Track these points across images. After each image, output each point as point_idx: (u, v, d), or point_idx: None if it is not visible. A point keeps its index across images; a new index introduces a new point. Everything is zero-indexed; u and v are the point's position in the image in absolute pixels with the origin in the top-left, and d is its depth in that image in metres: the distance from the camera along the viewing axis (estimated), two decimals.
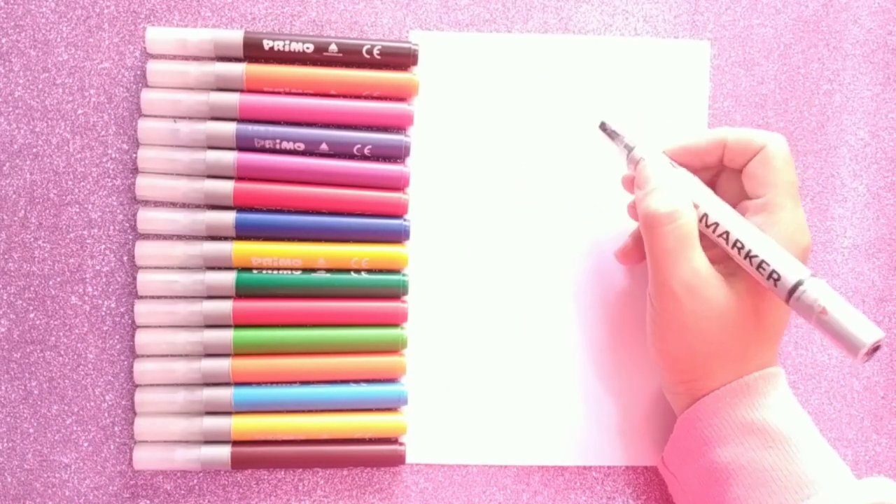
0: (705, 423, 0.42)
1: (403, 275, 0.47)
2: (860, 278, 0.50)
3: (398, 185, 0.47)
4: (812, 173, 0.49)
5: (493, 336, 0.48)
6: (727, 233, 0.42)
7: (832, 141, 0.50)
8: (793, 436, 0.40)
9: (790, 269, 0.40)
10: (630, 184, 0.46)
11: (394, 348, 0.47)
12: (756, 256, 0.41)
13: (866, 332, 0.38)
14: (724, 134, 0.44)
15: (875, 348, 0.38)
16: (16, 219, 0.46)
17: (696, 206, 0.42)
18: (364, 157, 0.47)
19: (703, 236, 0.42)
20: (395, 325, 0.47)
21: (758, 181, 0.43)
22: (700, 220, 0.42)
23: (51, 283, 0.46)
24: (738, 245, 0.41)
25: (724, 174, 0.45)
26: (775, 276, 0.40)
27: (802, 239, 0.42)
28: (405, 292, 0.47)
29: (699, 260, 0.41)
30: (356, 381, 0.47)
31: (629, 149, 0.45)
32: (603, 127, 0.47)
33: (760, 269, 0.40)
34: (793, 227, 0.42)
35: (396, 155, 0.47)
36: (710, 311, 0.41)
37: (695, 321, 0.41)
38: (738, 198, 0.44)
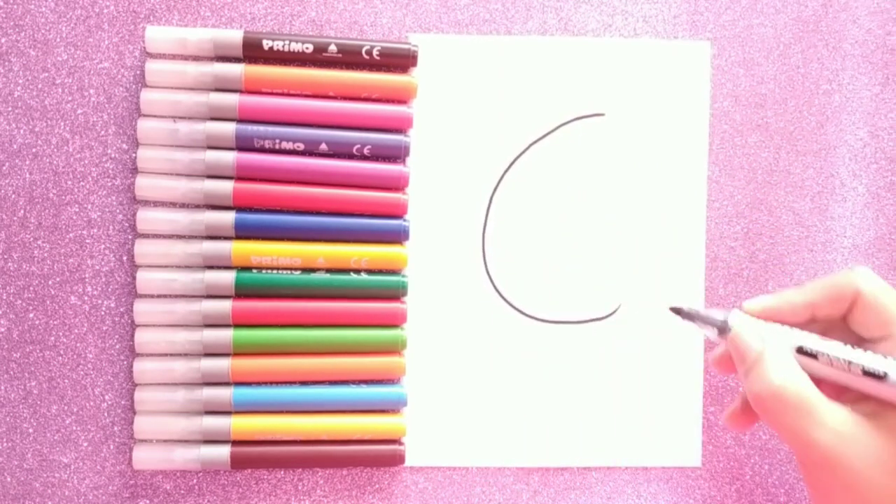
0: None
1: (403, 275, 0.47)
2: None
3: (398, 185, 0.47)
4: (812, 173, 0.49)
5: (493, 336, 0.48)
6: (849, 362, 0.37)
7: (832, 141, 0.50)
8: None
9: None
10: (723, 363, 0.42)
11: (393, 349, 0.47)
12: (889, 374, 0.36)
13: None
14: (806, 294, 0.40)
15: None
16: (15, 219, 0.46)
17: (820, 355, 0.38)
18: (364, 158, 0.47)
19: (825, 384, 0.38)
20: (394, 325, 0.47)
21: (871, 325, 0.39)
22: (843, 367, 0.37)
23: (50, 282, 0.46)
24: (869, 370, 0.37)
25: (826, 327, 0.40)
26: None
27: None
28: (405, 293, 0.47)
29: (834, 417, 0.36)
30: (356, 382, 0.47)
31: (720, 324, 0.40)
32: (677, 311, 0.41)
33: None
34: None
35: (396, 155, 0.47)
36: (871, 464, 0.36)
37: (859, 481, 0.36)
38: (855, 343, 0.39)
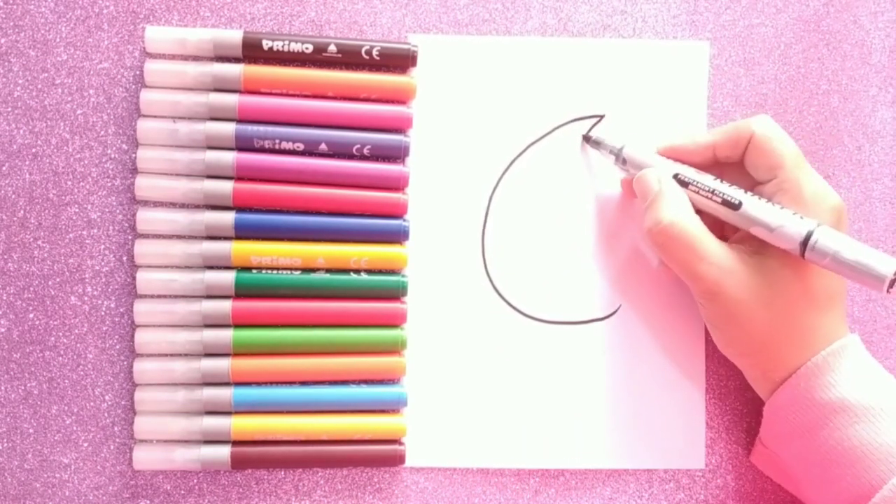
0: (788, 411, 0.42)
1: (403, 275, 0.47)
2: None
3: (398, 185, 0.47)
4: None
5: (493, 337, 0.48)
6: (712, 191, 0.43)
7: (830, 141, 0.50)
8: (875, 406, 0.40)
9: (796, 225, 0.40)
10: (628, 186, 0.47)
11: (393, 349, 0.47)
12: (761, 219, 0.41)
13: (885, 264, 0.38)
14: (711, 135, 0.45)
15: None
16: (15, 219, 0.46)
17: (690, 184, 0.43)
18: (363, 158, 0.47)
19: (716, 223, 0.43)
20: (394, 325, 0.47)
21: (761, 168, 0.43)
22: (706, 195, 0.43)
23: (50, 283, 0.46)
24: (743, 212, 0.41)
25: (726, 169, 0.45)
26: (785, 235, 0.40)
27: (827, 201, 0.42)
28: (405, 293, 0.47)
29: (716, 253, 0.42)
30: (356, 382, 0.47)
31: (617, 151, 0.46)
32: (587, 139, 0.48)
33: (772, 234, 0.41)
34: (813, 194, 0.42)
35: (396, 155, 0.47)
36: (749, 296, 0.41)
37: (739, 310, 0.42)
38: (749, 188, 0.44)
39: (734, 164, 0.45)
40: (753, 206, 0.41)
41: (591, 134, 0.48)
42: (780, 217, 0.41)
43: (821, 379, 0.41)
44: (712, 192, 0.43)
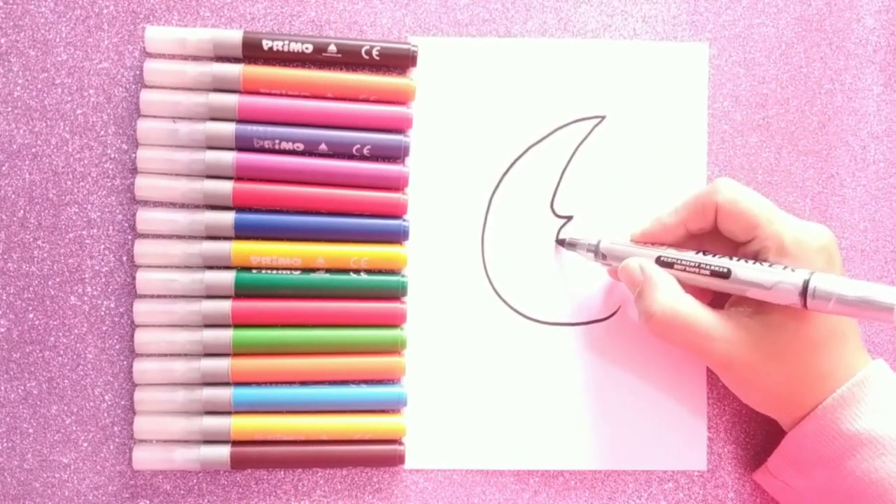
0: (813, 441, 0.41)
1: (403, 275, 0.47)
2: (859, 279, 0.49)
3: (397, 185, 0.47)
4: (812, 174, 0.49)
5: (493, 337, 0.48)
6: (699, 265, 0.42)
7: (833, 141, 0.49)
8: None
9: (790, 278, 0.39)
10: (615, 275, 0.46)
11: (393, 349, 0.47)
12: (754, 282, 0.40)
13: (890, 295, 0.37)
14: (677, 213, 0.44)
15: None
16: (15, 219, 0.46)
17: (676, 263, 0.43)
18: (363, 158, 0.47)
19: (707, 291, 0.43)
20: (394, 325, 0.47)
21: (736, 231, 0.43)
22: (694, 270, 0.42)
23: (50, 283, 0.46)
24: (734, 279, 0.41)
25: (704, 239, 0.45)
26: (783, 291, 0.39)
27: (812, 244, 0.41)
28: (404, 293, 0.47)
29: (717, 326, 0.41)
30: (356, 382, 0.47)
31: (594, 248, 0.46)
32: (560, 242, 0.48)
33: (769, 293, 0.40)
34: (797, 243, 0.41)
35: (396, 155, 0.47)
36: (760, 358, 0.41)
37: (753, 373, 0.41)
38: (731, 250, 0.44)
39: (710, 232, 0.44)
40: (743, 270, 0.41)
41: (563, 237, 0.48)
42: (772, 275, 0.40)
43: (846, 410, 0.40)
44: (699, 266, 0.42)
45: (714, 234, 0.44)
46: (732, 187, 0.43)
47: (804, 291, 0.39)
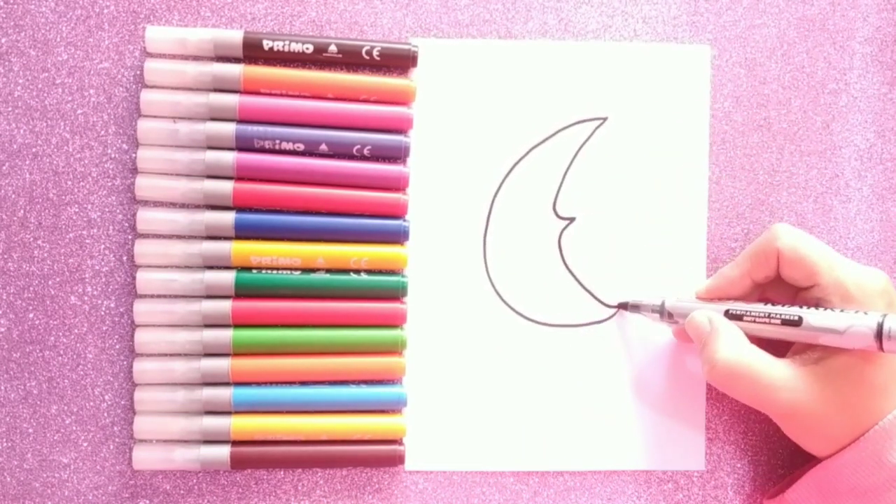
0: (853, 470, 0.41)
1: (403, 276, 0.47)
2: None
3: (398, 185, 0.47)
4: (816, 174, 0.49)
5: (493, 338, 0.48)
6: (769, 315, 0.42)
7: (837, 141, 0.49)
8: None
9: (863, 321, 0.39)
10: (682, 334, 0.47)
11: (393, 349, 0.47)
12: (827, 328, 0.40)
13: None
14: (740, 266, 0.44)
15: None
16: (15, 219, 0.46)
17: (745, 315, 0.43)
18: (364, 158, 0.47)
19: (768, 342, 0.43)
20: (394, 325, 0.47)
21: (798, 278, 0.43)
22: (764, 321, 0.42)
23: (50, 282, 0.46)
24: (806, 326, 0.41)
25: (767, 288, 0.45)
26: (857, 335, 0.39)
27: (873, 287, 0.41)
28: (404, 293, 0.47)
29: (782, 376, 0.41)
30: (356, 382, 0.47)
31: (659, 308, 0.46)
32: (623, 306, 0.48)
33: (842, 338, 0.40)
34: (858, 287, 0.41)
35: (396, 155, 0.47)
36: (824, 405, 0.40)
37: (818, 421, 0.41)
38: (791, 298, 0.44)
39: (772, 281, 0.44)
40: (814, 317, 0.41)
41: (624, 300, 0.48)
42: (844, 319, 0.40)
43: (891, 442, 0.40)
44: (769, 316, 0.42)
45: (776, 282, 0.44)
46: (791, 233, 0.43)
47: (878, 334, 0.39)
